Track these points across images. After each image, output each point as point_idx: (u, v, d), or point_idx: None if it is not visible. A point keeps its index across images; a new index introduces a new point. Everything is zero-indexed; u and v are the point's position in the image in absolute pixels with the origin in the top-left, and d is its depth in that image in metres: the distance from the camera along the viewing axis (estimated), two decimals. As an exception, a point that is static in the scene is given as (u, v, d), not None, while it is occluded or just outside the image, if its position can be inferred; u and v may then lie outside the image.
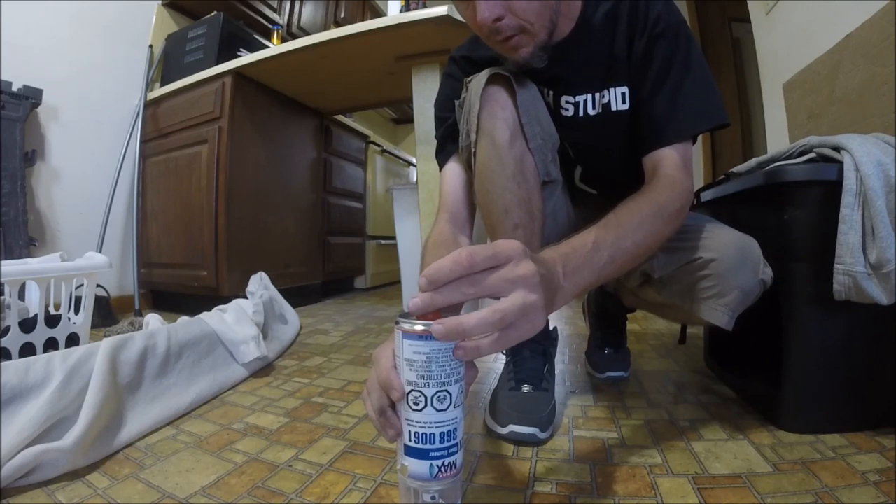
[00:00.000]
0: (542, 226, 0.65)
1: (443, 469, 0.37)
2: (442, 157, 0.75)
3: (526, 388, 0.67)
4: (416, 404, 0.36)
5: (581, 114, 0.68)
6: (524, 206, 0.63)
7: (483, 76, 0.62)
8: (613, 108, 0.66)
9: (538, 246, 0.64)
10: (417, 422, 0.36)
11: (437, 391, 0.36)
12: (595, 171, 0.76)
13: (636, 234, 0.50)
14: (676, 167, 0.59)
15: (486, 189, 0.64)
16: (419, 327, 0.35)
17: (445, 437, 0.37)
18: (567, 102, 0.68)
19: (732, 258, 0.60)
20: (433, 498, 0.37)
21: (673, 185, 0.58)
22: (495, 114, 0.61)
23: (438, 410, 0.36)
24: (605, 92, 0.66)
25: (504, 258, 0.34)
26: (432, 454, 0.37)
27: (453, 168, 0.73)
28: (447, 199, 0.72)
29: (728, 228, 0.65)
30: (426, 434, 0.36)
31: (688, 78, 0.60)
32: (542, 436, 0.62)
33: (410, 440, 0.37)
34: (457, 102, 0.68)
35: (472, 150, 0.64)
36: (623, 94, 0.65)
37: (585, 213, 0.78)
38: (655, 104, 0.62)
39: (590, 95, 0.67)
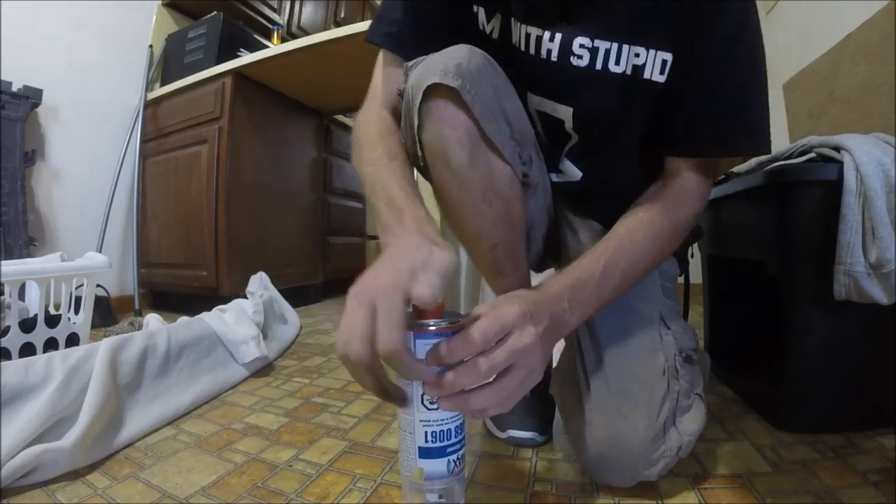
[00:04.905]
0: (524, 229, 0.57)
1: (457, 463, 0.37)
2: (382, 40, 0.56)
3: None
4: (432, 403, 0.36)
5: (599, 66, 0.51)
6: (501, 223, 0.53)
7: (420, 84, 0.45)
8: (646, 74, 0.50)
9: (523, 254, 0.57)
10: (434, 420, 0.36)
11: None
12: (592, 147, 0.58)
13: (647, 258, 0.48)
14: (704, 174, 0.51)
15: (452, 212, 0.52)
16: (433, 326, 0.34)
17: (459, 431, 0.37)
18: (582, 47, 0.51)
19: (596, 456, 0.50)
20: (440, 497, 0.37)
21: (694, 199, 0.51)
22: (445, 135, 0.46)
23: None
24: (641, 50, 0.49)
25: (509, 328, 0.35)
26: (449, 450, 0.36)
27: (397, 73, 0.54)
28: (384, 92, 0.56)
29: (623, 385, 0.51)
30: (443, 431, 0.36)
31: (753, 78, 0.48)
32: (540, 439, 0.63)
33: (427, 441, 0.36)
34: (397, 88, 0.52)
35: (420, 163, 0.51)
36: (664, 63, 0.49)
37: (562, 202, 0.65)
38: (709, 100, 0.48)
39: (615, 45, 0.50)
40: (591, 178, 0.59)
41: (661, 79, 0.50)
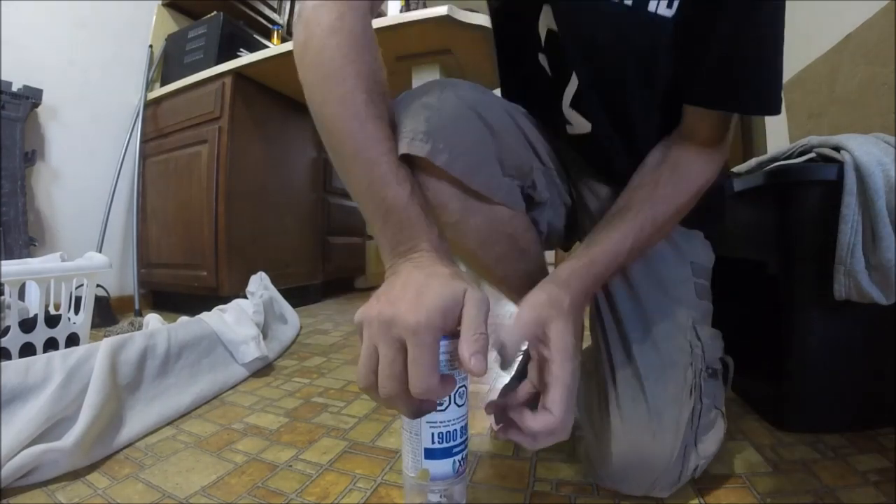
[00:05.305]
0: (537, 250, 0.55)
1: (461, 463, 0.37)
2: None
3: None
4: (441, 404, 0.35)
5: None
6: (506, 258, 0.51)
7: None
8: (651, 7, 0.45)
9: (537, 270, 0.55)
10: (441, 422, 0.36)
11: (458, 387, 0.35)
12: (598, 93, 0.51)
13: (663, 233, 0.47)
14: (723, 133, 0.47)
15: (453, 246, 0.47)
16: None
17: (463, 431, 0.37)
18: None
19: (619, 468, 0.48)
20: (442, 497, 0.37)
21: (711, 163, 0.47)
22: (430, 198, 0.42)
23: (459, 406, 0.36)
24: None
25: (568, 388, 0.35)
26: (455, 450, 0.37)
27: None
28: None
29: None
30: (450, 432, 0.36)
31: (776, 33, 0.43)
32: None
33: (434, 442, 0.36)
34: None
35: None
36: None
37: (578, 170, 0.59)
38: (733, 49, 0.43)
39: None
40: (600, 129, 0.54)
41: (669, 13, 0.44)
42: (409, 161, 0.40)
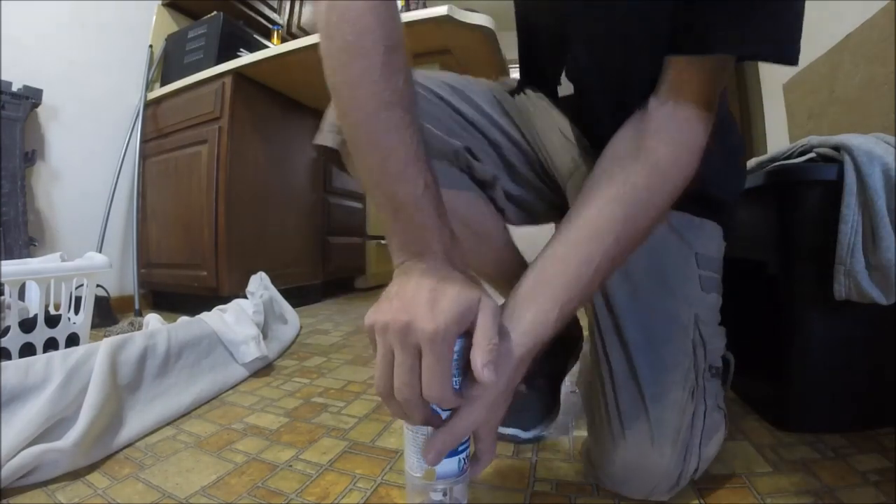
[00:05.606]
0: (501, 238, 0.52)
1: (466, 461, 0.37)
2: None
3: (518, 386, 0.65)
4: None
5: None
6: (470, 251, 0.48)
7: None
8: None
9: (510, 262, 0.52)
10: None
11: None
12: (590, 63, 0.47)
13: (641, 244, 0.41)
14: (703, 95, 0.40)
15: None
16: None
17: None
18: None
19: (620, 471, 0.47)
20: (445, 494, 0.37)
21: (692, 153, 0.40)
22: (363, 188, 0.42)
23: None
24: None
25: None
26: (460, 449, 0.36)
27: None
28: None
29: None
30: None
31: None
32: (524, 436, 0.61)
33: None
34: None
35: None
36: None
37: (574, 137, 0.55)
38: None
39: None
40: (582, 92, 0.50)
41: None
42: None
